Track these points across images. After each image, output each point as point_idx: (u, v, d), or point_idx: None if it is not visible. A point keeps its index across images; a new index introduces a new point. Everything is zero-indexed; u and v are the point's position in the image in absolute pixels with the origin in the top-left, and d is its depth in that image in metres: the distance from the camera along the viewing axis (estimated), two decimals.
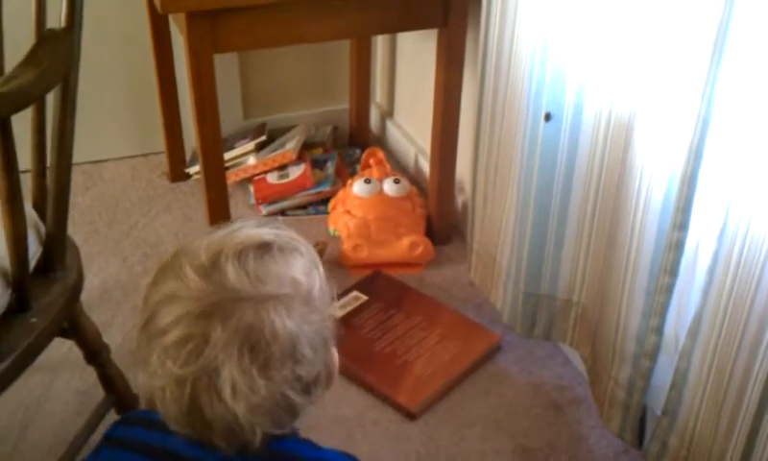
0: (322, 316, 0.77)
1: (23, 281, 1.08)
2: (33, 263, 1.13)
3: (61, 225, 1.17)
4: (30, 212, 1.17)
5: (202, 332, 0.71)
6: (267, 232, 0.78)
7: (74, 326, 1.28)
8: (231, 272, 0.73)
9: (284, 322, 0.72)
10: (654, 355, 1.30)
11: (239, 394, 0.71)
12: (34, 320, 1.10)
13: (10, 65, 1.08)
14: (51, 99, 1.10)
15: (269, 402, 0.73)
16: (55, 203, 1.14)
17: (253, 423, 0.73)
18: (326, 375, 0.80)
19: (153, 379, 0.74)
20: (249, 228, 0.79)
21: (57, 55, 1.04)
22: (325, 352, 0.78)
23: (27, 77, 0.97)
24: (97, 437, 1.04)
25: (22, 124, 0.96)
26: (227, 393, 0.71)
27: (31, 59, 1.01)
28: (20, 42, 1.20)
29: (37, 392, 1.57)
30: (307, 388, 0.76)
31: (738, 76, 1.06)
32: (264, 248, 0.76)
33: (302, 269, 0.77)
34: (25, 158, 1.01)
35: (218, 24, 1.56)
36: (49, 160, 1.14)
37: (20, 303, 1.09)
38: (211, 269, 0.73)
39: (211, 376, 0.71)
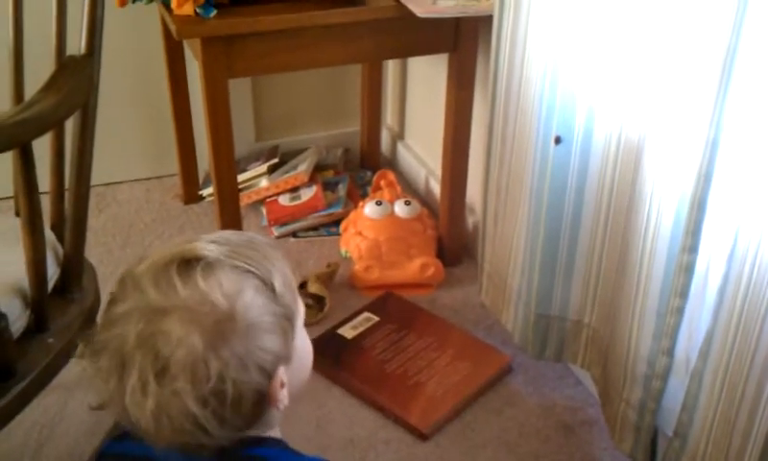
0: (249, 338, 0.76)
1: (42, 302, 1.09)
2: (50, 284, 1.15)
3: (79, 247, 1.19)
4: (48, 234, 1.19)
5: (121, 333, 0.75)
6: (208, 247, 0.78)
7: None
8: (150, 282, 0.76)
9: (190, 336, 0.73)
10: (665, 377, 1.31)
11: (141, 393, 0.74)
12: (51, 340, 1.12)
13: (29, 91, 1.10)
14: (69, 123, 1.12)
15: (165, 409, 0.74)
16: (73, 225, 1.16)
17: (157, 426, 0.75)
18: (256, 396, 0.78)
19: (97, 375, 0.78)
20: (192, 241, 0.80)
21: (77, 81, 1.06)
22: (248, 374, 0.76)
23: (48, 102, 1.00)
24: None
25: (40, 147, 0.98)
26: (129, 395, 0.74)
27: (51, 84, 1.04)
28: (39, 69, 1.23)
29: (52, 411, 1.59)
30: (208, 403, 0.74)
31: (747, 100, 1.07)
32: (195, 262, 0.77)
33: (232, 288, 0.76)
34: (43, 181, 1.03)
35: (233, 50, 1.59)
36: (67, 183, 1.16)
37: (38, 324, 1.11)
38: (139, 279, 0.77)
39: (122, 376, 0.74)
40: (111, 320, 0.76)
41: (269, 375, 0.78)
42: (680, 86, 1.15)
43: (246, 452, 0.80)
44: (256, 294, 0.78)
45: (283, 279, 0.81)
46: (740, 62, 1.05)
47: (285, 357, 0.80)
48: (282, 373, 0.80)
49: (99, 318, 0.79)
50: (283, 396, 0.81)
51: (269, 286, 0.79)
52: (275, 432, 0.87)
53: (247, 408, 0.77)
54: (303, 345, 0.87)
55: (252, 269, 0.78)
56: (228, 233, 0.84)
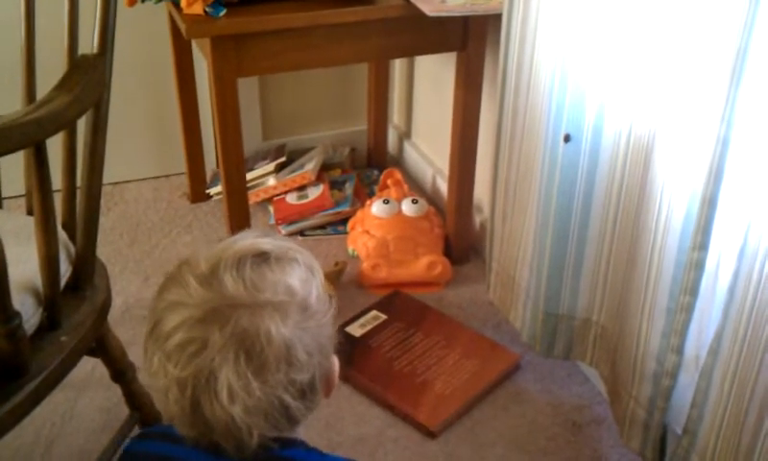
0: (318, 323, 0.80)
1: (55, 300, 1.10)
2: (63, 282, 1.16)
3: (91, 245, 1.19)
4: (60, 233, 1.20)
5: (201, 337, 0.74)
6: (265, 242, 0.81)
7: (101, 344, 1.30)
8: (229, 280, 0.76)
9: (279, 327, 0.75)
10: (674, 374, 1.31)
11: (235, 396, 0.74)
12: (64, 338, 1.12)
13: (41, 91, 1.11)
14: (81, 122, 1.12)
15: (264, 404, 0.75)
16: (85, 223, 1.17)
17: (249, 424, 0.76)
18: (324, 380, 0.82)
19: (155, 381, 0.78)
20: (247, 238, 0.82)
21: (89, 80, 1.06)
22: (322, 358, 0.80)
23: (61, 101, 1.00)
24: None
25: (51, 146, 0.99)
26: (224, 395, 0.74)
27: (64, 84, 1.04)
28: (51, 68, 1.23)
29: (62, 409, 1.60)
30: (303, 392, 0.78)
31: (758, 97, 1.07)
32: (261, 257, 0.79)
33: (299, 277, 0.80)
34: (54, 179, 1.03)
35: (242, 49, 1.60)
36: (79, 182, 1.17)
37: (51, 322, 1.11)
38: (210, 277, 0.77)
39: (209, 379, 0.74)
40: (176, 327, 0.76)
41: (330, 361, 0.84)
42: (690, 83, 1.15)
43: (278, 453, 0.81)
44: (311, 279, 0.81)
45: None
46: (751, 60, 1.05)
47: (333, 347, 0.85)
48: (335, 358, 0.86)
49: (152, 330, 0.79)
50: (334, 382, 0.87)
51: (316, 275, 0.83)
52: (300, 433, 0.87)
53: (319, 393, 0.81)
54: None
55: (301, 259, 0.82)
56: (256, 232, 0.86)
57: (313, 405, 0.81)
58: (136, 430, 1.42)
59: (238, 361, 0.74)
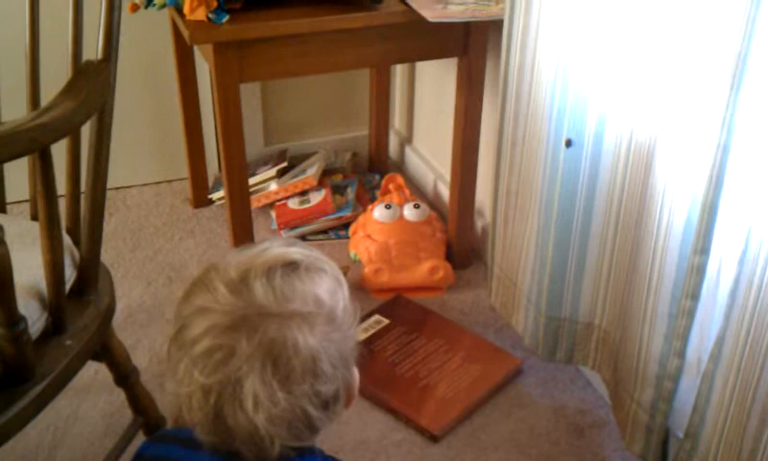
0: (344, 335, 0.80)
1: (59, 305, 1.10)
2: (67, 287, 1.16)
3: (95, 250, 1.20)
4: (64, 237, 1.20)
5: (228, 344, 0.74)
6: (295, 252, 0.81)
7: (105, 348, 1.31)
8: (259, 288, 0.76)
9: (306, 338, 0.75)
10: (676, 378, 1.31)
11: (260, 405, 0.74)
12: (69, 342, 1.12)
13: (45, 96, 1.11)
14: (85, 127, 1.13)
15: (288, 415, 0.75)
16: (89, 228, 1.17)
17: (273, 433, 0.75)
18: (346, 392, 0.82)
19: (180, 387, 0.77)
20: (277, 247, 0.81)
21: (94, 85, 1.07)
22: (345, 371, 0.80)
23: (66, 107, 1.01)
24: (126, 458, 1.06)
25: (55, 151, 0.99)
26: (248, 403, 0.74)
27: (70, 89, 1.05)
28: (53, 73, 1.24)
29: (66, 413, 1.60)
30: (326, 404, 0.78)
31: (758, 103, 1.08)
32: (291, 267, 0.79)
33: (327, 288, 0.80)
34: (57, 184, 1.04)
35: (245, 55, 1.61)
36: (83, 187, 1.18)
37: (56, 326, 1.12)
38: (240, 285, 0.77)
39: (235, 387, 0.74)
40: (201, 334, 0.75)
41: (351, 372, 0.83)
42: (691, 90, 1.16)
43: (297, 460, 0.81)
44: (339, 290, 0.81)
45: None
46: (751, 66, 1.06)
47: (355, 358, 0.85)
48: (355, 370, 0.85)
49: (179, 332, 0.79)
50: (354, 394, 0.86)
51: (343, 286, 0.83)
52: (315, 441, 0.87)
53: (340, 404, 0.81)
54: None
55: (329, 270, 0.82)
56: (283, 240, 0.86)
57: (335, 416, 0.81)
58: (140, 435, 1.42)
59: (265, 370, 0.74)
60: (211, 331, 0.75)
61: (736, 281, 1.13)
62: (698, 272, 1.21)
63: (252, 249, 0.82)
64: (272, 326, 0.74)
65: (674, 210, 1.23)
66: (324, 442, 0.88)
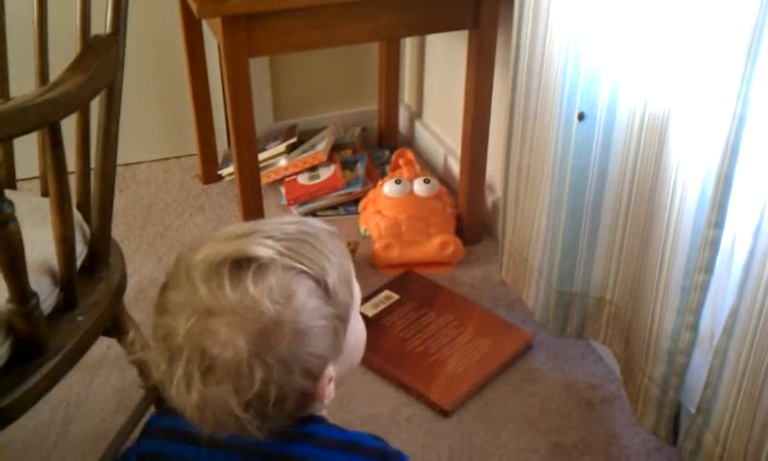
0: (300, 343, 0.75)
1: (71, 280, 1.11)
2: (78, 263, 1.16)
3: (106, 226, 1.20)
4: (74, 213, 1.20)
5: (171, 324, 0.75)
6: (264, 247, 0.76)
7: (117, 324, 1.31)
8: (201, 283, 0.75)
9: (235, 340, 0.72)
10: (689, 352, 1.31)
11: (189, 388, 0.74)
12: (80, 318, 1.13)
13: (54, 72, 1.11)
14: (94, 103, 1.12)
15: (208, 404, 0.74)
16: (100, 204, 1.17)
17: (205, 415, 0.75)
18: (296, 396, 0.77)
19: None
20: (253, 236, 0.78)
21: (103, 60, 1.06)
22: (288, 376, 0.75)
23: (75, 82, 1.00)
24: (138, 433, 1.06)
25: (64, 127, 0.99)
26: (181, 383, 0.75)
27: (78, 64, 1.04)
28: (61, 49, 1.23)
29: (77, 389, 1.61)
30: (248, 406, 0.74)
31: None
32: (244, 263, 0.75)
33: (280, 293, 0.74)
34: (68, 160, 1.03)
35: (253, 28, 1.59)
36: (93, 163, 1.17)
37: (68, 302, 1.12)
38: (189, 275, 0.76)
39: (171, 365, 0.75)
40: (163, 307, 0.76)
41: (315, 376, 0.78)
42: (706, 61, 1.14)
43: (296, 429, 0.81)
44: (308, 297, 0.76)
45: (339, 273, 0.79)
46: None
47: (334, 356, 0.80)
48: (331, 369, 0.80)
49: (156, 298, 0.80)
50: (330, 390, 0.81)
51: (322, 286, 0.77)
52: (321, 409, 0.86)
53: (290, 407, 0.77)
54: (356, 329, 0.86)
55: (307, 269, 0.76)
56: (286, 224, 0.81)
57: (281, 418, 0.77)
58: (151, 410, 1.43)
59: (191, 360, 0.74)
60: (167, 311, 0.76)
61: (751, 254, 1.12)
62: (712, 245, 1.20)
63: (231, 232, 0.80)
64: (206, 319, 0.73)
65: (688, 183, 1.22)
66: (333, 417, 0.88)
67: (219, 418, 0.74)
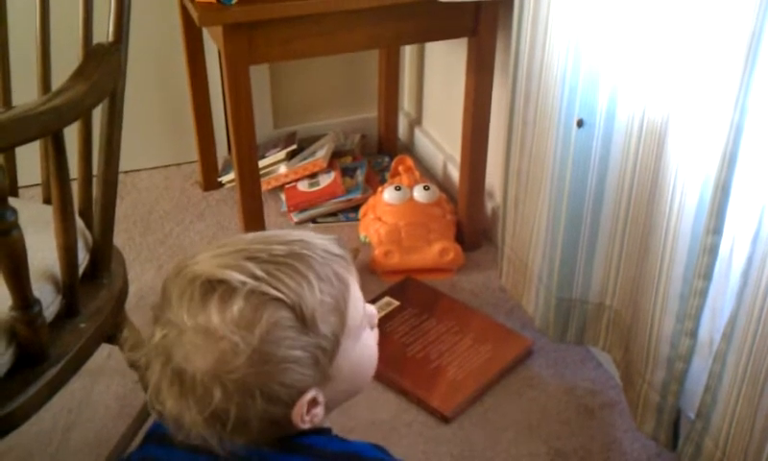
0: (264, 370, 0.73)
1: (73, 288, 1.11)
2: (80, 270, 1.17)
3: (108, 233, 1.20)
4: (77, 220, 1.21)
5: (152, 332, 0.78)
6: (239, 267, 0.75)
7: (118, 331, 1.31)
8: (175, 298, 0.76)
9: (200, 360, 0.74)
10: (688, 358, 1.31)
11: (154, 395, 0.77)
12: (83, 325, 1.13)
13: (56, 80, 1.11)
14: (97, 110, 1.13)
15: (176, 416, 0.76)
16: (102, 211, 1.18)
17: (176, 426, 0.78)
18: (263, 421, 0.76)
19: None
20: (235, 256, 0.77)
21: (105, 68, 1.07)
22: (249, 400, 0.74)
23: (78, 90, 1.01)
24: (139, 440, 1.06)
25: (66, 135, 1.00)
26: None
27: (81, 72, 1.05)
28: (64, 57, 1.24)
29: (79, 396, 1.61)
30: (211, 422, 0.75)
31: None
32: (211, 286, 0.74)
33: (242, 324, 0.73)
34: (70, 167, 1.04)
35: (254, 36, 1.60)
36: (95, 170, 1.18)
37: (70, 309, 1.12)
38: (171, 286, 0.78)
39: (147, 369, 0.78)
40: (154, 315, 0.79)
41: (285, 403, 0.76)
42: (704, 68, 1.15)
43: (296, 441, 0.80)
44: (275, 326, 0.73)
45: (324, 300, 0.76)
46: (766, 44, 1.05)
47: (317, 382, 0.77)
48: (314, 393, 0.77)
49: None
50: (313, 414, 0.79)
51: (298, 315, 0.74)
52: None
53: (255, 428, 0.76)
54: (359, 354, 0.83)
55: (281, 296, 0.74)
56: (278, 244, 0.78)
57: (248, 438, 0.76)
58: (153, 416, 1.43)
59: (164, 369, 0.76)
60: (154, 317, 0.79)
61: (749, 261, 1.12)
62: (710, 252, 1.21)
63: (220, 249, 0.79)
64: (177, 333, 0.75)
65: (686, 190, 1.22)
66: (334, 422, 0.87)
67: (187, 427, 0.76)
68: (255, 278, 0.74)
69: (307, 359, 0.75)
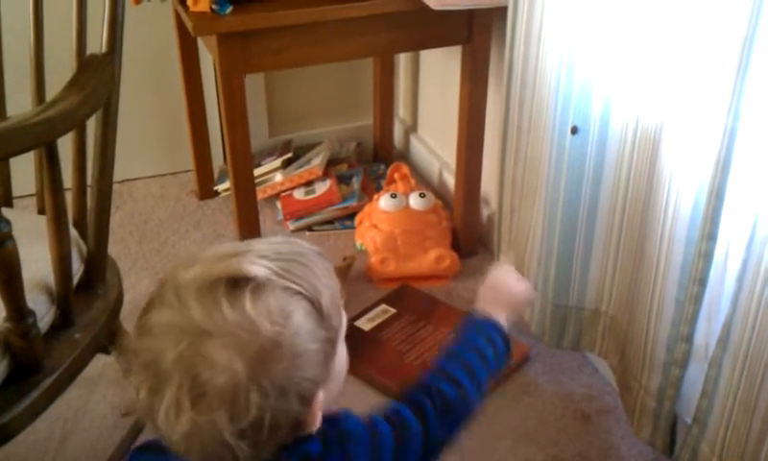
0: (294, 365, 0.72)
1: (68, 298, 1.11)
2: (75, 280, 1.17)
3: (102, 243, 1.20)
4: (71, 231, 1.21)
5: (157, 347, 0.70)
6: (258, 264, 0.73)
7: (114, 341, 1.31)
8: (194, 303, 0.71)
9: (232, 364, 0.69)
10: (684, 363, 1.31)
11: (178, 416, 0.70)
12: (77, 336, 1.13)
13: (50, 90, 1.12)
14: (91, 120, 1.13)
15: (199, 435, 0.70)
16: (96, 222, 1.18)
17: (188, 447, 0.71)
18: (289, 422, 0.74)
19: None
20: (246, 255, 0.74)
21: (99, 79, 1.07)
22: (282, 401, 0.72)
23: (72, 101, 1.01)
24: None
25: (60, 145, 1.00)
26: (162, 413, 0.71)
27: (75, 83, 1.05)
28: (58, 68, 1.24)
29: (75, 406, 1.61)
30: (243, 433, 0.70)
31: (764, 87, 1.08)
32: (239, 283, 0.72)
33: (280, 314, 0.71)
34: (64, 178, 1.04)
35: (248, 45, 1.60)
36: (89, 180, 1.18)
37: (64, 320, 1.12)
38: (180, 295, 0.72)
39: (156, 393, 0.70)
40: (149, 328, 0.72)
41: (308, 401, 0.75)
42: (697, 74, 1.16)
43: (294, 448, 0.78)
44: (305, 319, 0.73)
45: (330, 296, 0.77)
46: (758, 50, 1.05)
47: (324, 381, 0.77)
48: (321, 394, 0.77)
49: (137, 320, 0.75)
50: (319, 417, 0.79)
51: (317, 308, 0.74)
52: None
53: (283, 434, 0.74)
54: (341, 355, 0.83)
55: (303, 290, 0.74)
56: (277, 243, 0.78)
57: (271, 445, 0.73)
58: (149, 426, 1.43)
59: (181, 386, 0.69)
60: (152, 333, 0.72)
61: (744, 266, 1.13)
62: (705, 257, 1.21)
63: (222, 251, 0.76)
64: (199, 342, 0.69)
65: (681, 196, 1.23)
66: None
67: (207, 446, 0.71)
68: (277, 274, 0.73)
69: (323, 353, 0.75)
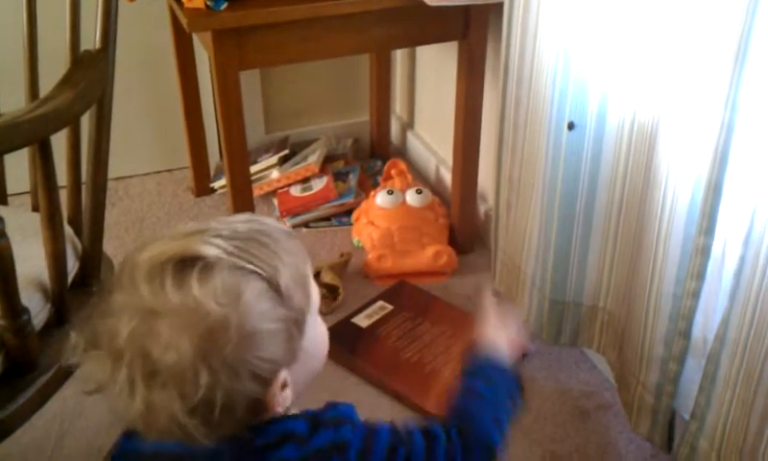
0: (246, 345, 0.71)
1: (62, 296, 1.10)
2: (70, 278, 1.16)
3: (97, 240, 1.20)
4: (66, 228, 1.20)
5: (111, 326, 0.71)
6: (211, 243, 0.73)
7: None
8: (143, 283, 0.71)
9: (179, 342, 0.69)
10: (682, 359, 1.31)
11: (132, 395, 0.71)
12: (73, 333, 1.12)
13: (44, 87, 1.11)
14: (84, 117, 1.12)
15: (151, 411, 0.71)
16: (91, 219, 1.17)
17: (146, 425, 0.72)
18: (246, 404, 0.73)
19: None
20: (201, 235, 0.75)
21: (93, 75, 1.07)
22: (234, 381, 0.71)
23: (65, 97, 1.00)
24: None
25: (54, 141, 0.99)
26: (117, 391, 0.72)
27: (68, 79, 1.04)
28: (51, 64, 1.23)
29: (72, 404, 1.60)
30: (193, 411, 0.70)
31: (762, 81, 1.07)
32: (191, 262, 0.72)
33: (229, 293, 0.71)
34: (58, 175, 1.03)
35: (244, 42, 1.60)
36: (84, 177, 1.17)
37: (59, 317, 1.12)
38: (135, 272, 0.73)
39: (114, 370, 0.71)
40: (107, 309, 0.73)
41: (266, 382, 0.74)
42: (694, 69, 1.15)
43: (255, 443, 0.78)
44: (258, 299, 0.73)
45: (293, 275, 0.76)
46: (755, 43, 1.05)
47: (288, 361, 0.76)
48: (284, 375, 0.76)
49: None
50: (284, 397, 0.77)
51: (274, 288, 0.74)
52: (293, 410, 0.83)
53: (239, 415, 0.73)
54: (316, 334, 0.82)
55: (258, 269, 0.73)
56: (239, 221, 0.78)
57: (229, 426, 0.73)
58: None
59: (133, 364, 0.70)
60: (109, 313, 0.73)
61: (741, 262, 1.12)
62: (702, 252, 1.21)
63: (179, 231, 0.76)
64: (149, 321, 0.70)
65: (678, 191, 1.22)
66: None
67: (163, 424, 0.71)
68: (229, 252, 0.73)
69: (284, 333, 0.75)
